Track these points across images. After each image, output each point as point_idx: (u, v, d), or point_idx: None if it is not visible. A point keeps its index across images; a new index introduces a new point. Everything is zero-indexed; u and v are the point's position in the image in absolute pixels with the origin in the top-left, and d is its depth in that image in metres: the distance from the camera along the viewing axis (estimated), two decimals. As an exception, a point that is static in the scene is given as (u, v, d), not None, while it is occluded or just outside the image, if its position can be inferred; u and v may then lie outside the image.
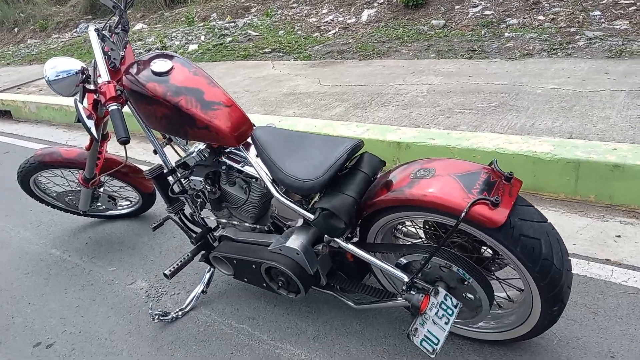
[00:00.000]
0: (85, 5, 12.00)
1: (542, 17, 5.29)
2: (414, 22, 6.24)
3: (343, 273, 1.90)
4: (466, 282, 1.54)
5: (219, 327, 2.04)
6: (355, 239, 1.77)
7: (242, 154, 1.84)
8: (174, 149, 2.16)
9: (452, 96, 3.77)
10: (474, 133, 3.04)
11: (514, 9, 5.66)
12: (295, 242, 1.77)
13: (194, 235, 2.10)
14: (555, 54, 4.32)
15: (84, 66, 1.95)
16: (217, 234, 2.11)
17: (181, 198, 2.08)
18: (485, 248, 1.63)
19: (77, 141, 4.83)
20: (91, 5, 11.83)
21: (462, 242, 1.63)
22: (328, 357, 1.80)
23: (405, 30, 6.01)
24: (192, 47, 7.37)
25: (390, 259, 1.79)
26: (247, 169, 1.83)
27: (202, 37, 7.87)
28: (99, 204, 2.88)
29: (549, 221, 1.42)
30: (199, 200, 2.02)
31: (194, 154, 1.93)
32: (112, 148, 3.01)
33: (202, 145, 1.95)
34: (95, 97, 1.91)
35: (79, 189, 2.71)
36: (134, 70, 1.83)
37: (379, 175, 1.72)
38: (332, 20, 7.23)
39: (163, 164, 2.05)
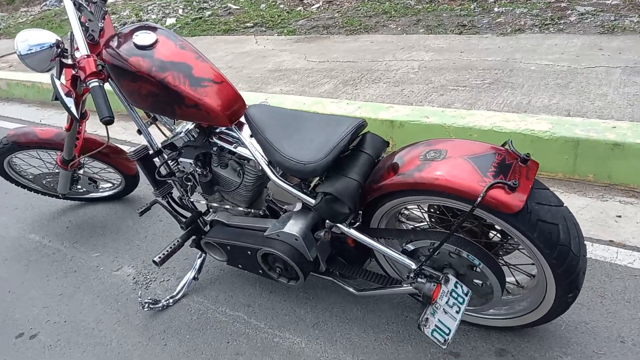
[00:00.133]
0: (55, -24, 11.44)
1: (531, -8, 5.18)
2: (401, -4, 6.08)
3: (343, 258, 1.82)
4: (476, 269, 1.47)
5: (212, 315, 1.95)
6: (357, 224, 1.69)
7: (234, 134, 1.72)
8: (159, 128, 2.02)
9: (445, 73, 3.67)
10: (469, 111, 2.96)
11: (503, -17, 5.55)
12: (293, 227, 1.68)
13: (184, 220, 1.98)
14: (547, 29, 4.24)
15: (59, 39, 1.79)
16: (208, 218, 2.00)
17: (169, 181, 1.96)
18: (495, 233, 1.56)
19: (51, 120, 4.60)
20: (62, -24, 11.27)
21: (470, 227, 1.56)
22: (329, 345, 1.73)
23: (392, 4, 5.85)
24: (170, 21, 7.08)
25: (393, 244, 1.72)
26: (241, 150, 1.72)
27: (180, 11, 7.56)
28: (79, 187, 2.74)
29: (565, 205, 1.35)
30: (189, 183, 1.90)
31: (182, 134, 1.81)
32: (90, 127, 2.86)
33: (190, 125, 1.82)
34: (73, 72, 1.75)
35: (57, 171, 2.56)
36: (114, 43, 1.68)
37: (382, 157, 1.63)
38: (317, -6, 7.00)
39: (148, 145, 1.93)
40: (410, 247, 1.55)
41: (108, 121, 1.37)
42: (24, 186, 2.77)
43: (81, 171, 2.66)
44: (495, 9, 4.94)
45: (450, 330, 1.37)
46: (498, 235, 1.56)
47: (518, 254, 1.60)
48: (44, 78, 5.07)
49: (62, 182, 2.52)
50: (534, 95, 3.05)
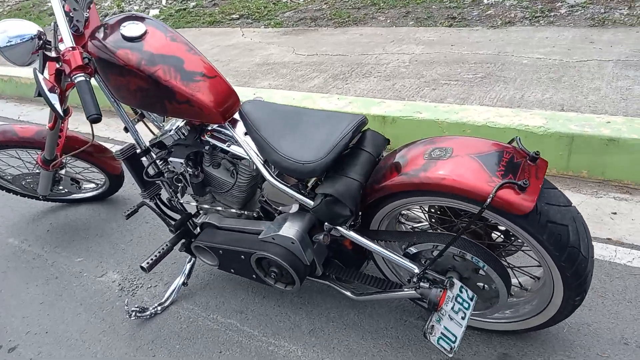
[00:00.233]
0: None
1: (520, -16, 5.15)
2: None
3: (340, 261, 1.75)
4: (480, 271, 1.42)
5: (203, 323, 1.86)
6: (356, 226, 1.61)
7: (228, 132, 1.63)
8: (146, 126, 1.92)
9: (436, 66, 3.61)
10: (462, 106, 2.90)
11: (491, -24, 5.50)
12: (289, 230, 1.60)
13: (173, 222, 1.89)
14: (538, 22, 4.20)
15: (41, 30, 1.68)
16: (198, 220, 1.91)
17: (157, 182, 1.87)
18: (498, 233, 1.50)
19: (31, 116, 4.43)
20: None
21: (474, 228, 1.50)
22: (327, 352, 1.66)
23: (380, -4, 5.78)
24: (153, 12, 6.90)
25: (393, 246, 1.65)
26: (234, 148, 1.63)
27: (164, 2, 7.38)
28: (61, 188, 2.61)
29: (573, 204, 1.30)
30: (179, 184, 1.80)
31: (172, 132, 1.71)
32: (70, 123, 2.74)
33: (180, 122, 1.73)
34: (58, 66, 1.65)
35: (37, 171, 2.43)
36: (100, 34, 1.57)
37: (383, 156, 1.55)
38: (303, -14, 6.89)
39: (136, 144, 1.83)
40: (413, 250, 1.49)
41: (95, 119, 1.28)
42: (1, 187, 2.63)
43: (63, 171, 2.54)
44: (485, 1, 4.89)
45: (456, 338, 1.31)
46: (501, 236, 1.51)
47: (519, 255, 1.56)
48: (23, 72, 4.87)
49: (42, 183, 2.40)
50: (527, 90, 3.01)
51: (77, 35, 1.67)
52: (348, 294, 1.68)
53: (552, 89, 2.95)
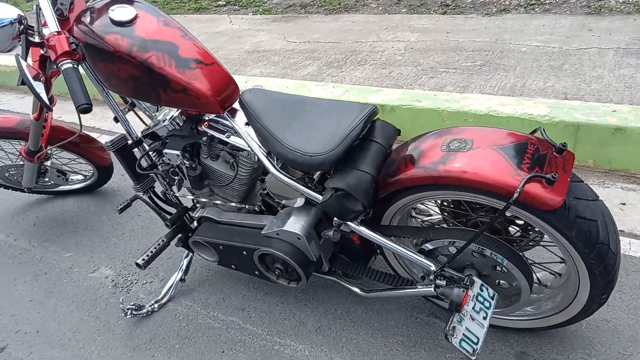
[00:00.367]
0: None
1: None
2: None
3: (347, 257, 1.67)
4: (499, 268, 1.35)
5: (204, 321, 1.78)
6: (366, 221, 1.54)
7: (227, 122, 1.54)
8: (137, 115, 1.82)
9: (433, 54, 3.54)
10: (463, 94, 2.83)
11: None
12: (295, 225, 1.52)
13: (168, 217, 1.80)
14: (533, 9, 4.14)
15: (22, 14, 1.56)
16: (195, 215, 1.81)
17: (150, 174, 1.77)
18: (517, 228, 1.44)
19: (10, 104, 4.24)
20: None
21: (486, 220, 1.43)
22: (335, 352, 1.60)
23: (371, -18, 5.66)
24: (138, -2, 6.68)
25: (405, 241, 1.58)
26: (234, 140, 1.54)
27: (148, -12, 7.15)
28: (47, 179, 2.49)
29: (600, 198, 1.24)
30: (176, 177, 1.70)
31: (166, 122, 1.62)
32: (53, 112, 2.60)
33: (174, 112, 1.63)
34: (42, 52, 1.53)
35: (21, 163, 2.31)
36: (87, 19, 1.46)
37: (394, 147, 1.48)
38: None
39: (127, 134, 1.72)
40: (429, 246, 1.42)
41: (85, 109, 1.17)
42: (-17, 180, 2.51)
43: (48, 162, 2.41)
44: (479, -12, 4.81)
45: (478, 339, 1.24)
46: (519, 230, 1.44)
47: (535, 250, 1.50)
48: (3, 59, 4.67)
49: (27, 175, 2.28)
50: (528, 78, 2.95)
51: (62, 20, 1.55)
52: (356, 290, 1.61)
53: (553, 77, 2.90)
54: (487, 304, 1.29)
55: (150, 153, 1.71)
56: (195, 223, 1.84)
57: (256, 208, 1.73)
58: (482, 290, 1.30)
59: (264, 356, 1.61)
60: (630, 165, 2.35)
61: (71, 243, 2.30)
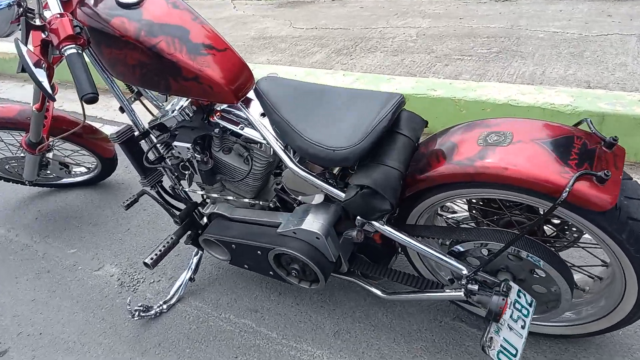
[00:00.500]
0: None
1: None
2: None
3: (366, 256, 1.58)
4: (536, 273, 1.26)
5: (215, 323, 1.69)
6: (392, 220, 1.43)
7: (241, 113, 1.43)
8: (144, 105, 1.71)
9: (446, 41, 3.41)
10: (480, 83, 2.72)
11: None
12: (314, 224, 1.42)
13: (177, 213, 1.70)
14: (549, -6, 4.01)
15: (20, -5, 1.45)
16: (205, 211, 1.71)
17: (159, 168, 1.67)
18: (553, 227, 1.34)
19: (10, 93, 4.13)
20: None
21: (520, 220, 1.33)
22: (356, 358, 1.50)
23: (379, -33, 5.50)
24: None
25: (431, 242, 1.48)
26: (249, 132, 1.43)
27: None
28: (49, 172, 2.39)
29: (651, 197, 1.14)
30: (186, 172, 1.60)
31: (175, 112, 1.51)
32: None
33: (184, 102, 1.52)
34: (43, 36, 1.43)
35: (22, 155, 2.21)
36: (91, 1, 1.35)
37: (421, 140, 1.37)
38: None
39: (133, 125, 1.62)
40: (460, 248, 1.32)
41: (91, 99, 1.07)
42: (-18, 172, 2.41)
43: (50, 154, 2.31)
44: (491, -27, 4.66)
45: (517, 351, 1.15)
46: (554, 230, 1.34)
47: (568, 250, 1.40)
48: (2, 45, 4.55)
49: (28, 167, 2.18)
50: (548, 65, 2.83)
51: (64, 1, 1.45)
52: (377, 292, 1.51)
53: (574, 65, 2.78)
54: (525, 312, 1.19)
55: (158, 146, 1.61)
56: (205, 219, 1.75)
57: (270, 204, 1.63)
58: (519, 297, 1.20)
59: (280, 361, 1.53)
60: (658, 158, 2.25)
61: (75, 239, 2.20)
